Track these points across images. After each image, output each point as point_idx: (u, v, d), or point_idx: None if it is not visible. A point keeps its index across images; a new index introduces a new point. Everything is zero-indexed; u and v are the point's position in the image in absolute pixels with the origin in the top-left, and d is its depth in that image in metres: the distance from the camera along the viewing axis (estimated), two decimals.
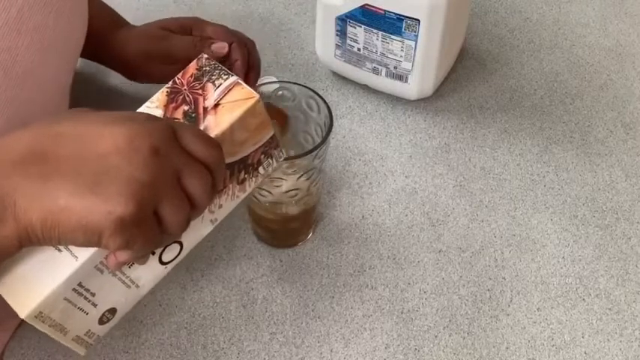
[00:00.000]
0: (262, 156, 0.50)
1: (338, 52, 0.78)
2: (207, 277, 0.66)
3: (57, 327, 0.45)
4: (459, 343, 0.62)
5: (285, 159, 0.63)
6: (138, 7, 0.91)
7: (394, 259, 0.68)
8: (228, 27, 0.74)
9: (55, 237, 0.39)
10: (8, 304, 0.43)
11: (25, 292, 0.42)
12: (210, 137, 0.44)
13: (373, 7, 0.71)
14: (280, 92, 0.63)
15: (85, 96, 0.78)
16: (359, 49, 0.76)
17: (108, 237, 0.39)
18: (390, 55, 0.74)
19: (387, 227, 0.70)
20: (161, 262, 0.49)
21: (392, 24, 0.71)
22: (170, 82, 0.47)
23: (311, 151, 0.58)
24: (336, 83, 0.83)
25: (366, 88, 0.81)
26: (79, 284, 0.44)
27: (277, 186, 0.61)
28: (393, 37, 0.72)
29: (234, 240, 0.69)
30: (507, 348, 0.62)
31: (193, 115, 0.46)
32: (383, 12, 0.71)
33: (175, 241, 0.49)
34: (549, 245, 0.69)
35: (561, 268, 0.68)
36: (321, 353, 0.62)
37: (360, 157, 0.76)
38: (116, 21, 0.77)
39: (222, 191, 0.49)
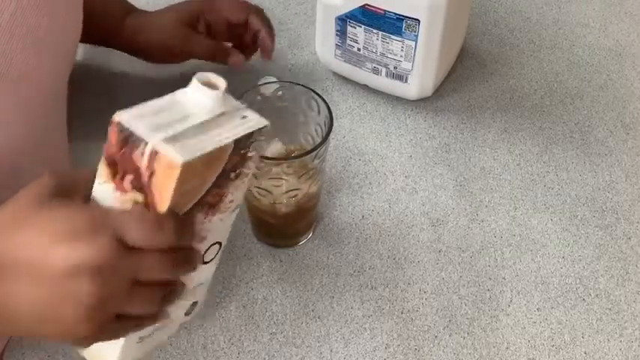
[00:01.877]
0: (238, 160, 0.46)
1: (338, 52, 0.78)
2: None
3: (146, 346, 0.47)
4: (459, 343, 0.62)
5: (286, 159, 0.63)
6: (138, 6, 0.91)
7: (394, 259, 0.68)
8: (240, 1, 0.76)
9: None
10: None
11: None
12: (157, 220, 0.41)
13: (373, 7, 0.71)
14: (280, 92, 0.63)
15: (88, 83, 0.78)
16: (359, 49, 0.76)
17: (80, 344, 0.42)
18: (390, 55, 0.74)
19: (387, 227, 0.70)
20: (204, 263, 0.49)
21: (392, 24, 0.71)
22: (104, 154, 0.43)
23: (311, 151, 0.58)
24: (336, 83, 0.83)
25: (366, 88, 0.81)
26: (140, 337, 0.46)
27: (277, 186, 0.61)
28: (393, 37, 0.72)
29: (234, 240, 0.69)
30: (507, 348, 0.62)
31: (140, 187, 0.42)
32: (383, 12, 0.71)
33: (215, 243, 0.49)
34: (549, 245, 0.69)
35: (561, 268, 0.68)
36: (321, 353, 0.62)
37: (360, 157, 0.76)
38: (124, 6, 0.78)
39: (223, 198, 0.47)
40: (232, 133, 0.44)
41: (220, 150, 0.43)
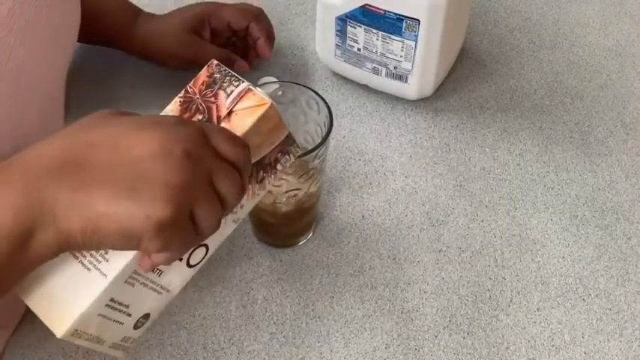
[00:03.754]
0: (279, 154, 0.50)
1: (338, 52, 0.78)
2: (207, 277, 0.66)
3: (93, 339, 0.45)
4: (459, 343, 0.62)
5: None
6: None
7: (394, 259, 0.68)
8: (242, 7, 0.78)
9: (95, 243, 0.40)
10: (9, 303, 0.43)
11: (58, 311, 0.43)
12: (238, 137, 0.44)
13: (373, 7, 0.71)
14: (280, 92, 0.63)
15: (86, 78, 0.78)
16: (359, 49, 0.76)
17: (147, 240, 0.39)
18: (390, 55, 0.74)
19: (387, 227, 0.70)
20: (189, 266, 0.50)
21: (392, 24, 0.71)
22: (182, 92, 0.47)
23: (311, 151, 0.58)
24: (336, 83, 0.83)
25: (366, 88, 0.81)
26: (112, 300, 0.44)
27: (277, 186, 0.61)
28: (393, 37, 0.72)
29: (234, 240, 0.69)
30: (507, 348, 0.62)
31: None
32: (383, 12, 0.71)
33: (201, 244, 0.49)
34: (549, 245, 0.69)
35: (561, 268, 0.68)
36: (321, 353, 0.62)
37: (360, 157, 0.76)
38: (132, 10, 0.79)
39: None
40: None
41: (283, 126, 0.48)
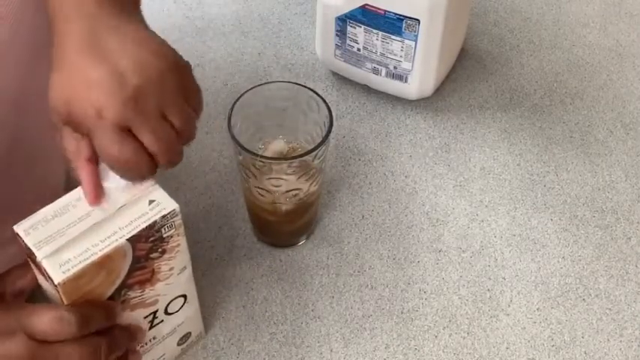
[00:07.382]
0: (153, 244, 0.46)
1: (338, 52, 0.78)
2: (207, 277, 0.66)
3: None
4: (459, 343, 0.62)
5: (286, 159, 0.63)
6: None
7: (394, 259, 0.68)
8: None
9: None
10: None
11: None
12: (58, 316, 0.43)
13: (373, 7, 0.71)
14: (280, 92, 0.63)
15: None
16: (359, 49, 0.76)
17: None
18: (390, 55, 0.74)
19: (387, 227, 0.70)
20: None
21: (392, 24, 0.71)
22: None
23: (311, 151, 0.58)
24: (336, 83, 0.83)
25: (366, 88, 0.81)
26: None
27: (277, 186, 0.61)
28: (393, 37, 0.72)
29: (234, 240, 0.69)
30: (507, 348, 0.62)
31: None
32: (383, 12, 0.71)
33: (177, 297, 0.52)
34: (549, 245, 0.69)
35: (561, 268, 0.68)
36: (321, 353, 0.62)
37: (360, 157, 0.76)
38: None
39: (155, 272, 0.48)
40: (128, 230, 0.44)
41: (114, 251, 0.44)
